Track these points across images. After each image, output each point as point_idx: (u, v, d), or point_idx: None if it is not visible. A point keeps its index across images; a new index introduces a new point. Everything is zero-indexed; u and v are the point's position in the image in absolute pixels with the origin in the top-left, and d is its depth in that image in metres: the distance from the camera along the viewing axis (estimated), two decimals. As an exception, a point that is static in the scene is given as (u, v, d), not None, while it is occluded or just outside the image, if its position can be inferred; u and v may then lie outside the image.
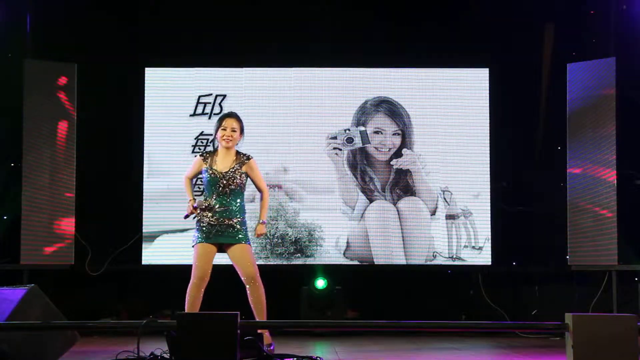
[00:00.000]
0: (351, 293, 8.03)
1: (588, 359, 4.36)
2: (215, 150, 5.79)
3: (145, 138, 7.99)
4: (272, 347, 5.55)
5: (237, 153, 5.75)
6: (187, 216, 5.68)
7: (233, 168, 5.64)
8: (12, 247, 7.31)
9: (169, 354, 4.85)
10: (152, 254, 7.91)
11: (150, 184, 7.98)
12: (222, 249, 5.66)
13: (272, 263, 7.88)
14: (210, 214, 5.58)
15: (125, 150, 8.04)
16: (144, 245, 7.90)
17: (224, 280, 7.88)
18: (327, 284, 7.88)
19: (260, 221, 5.74)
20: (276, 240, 7.91)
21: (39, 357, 4.80)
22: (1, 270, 7.25)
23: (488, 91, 8.03)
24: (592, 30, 7.73)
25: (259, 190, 5.81)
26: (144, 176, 7.97)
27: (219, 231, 5.60)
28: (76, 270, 7.61)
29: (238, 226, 5.62)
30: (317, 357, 5.37)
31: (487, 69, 8.07)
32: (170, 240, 7.89)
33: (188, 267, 7.84)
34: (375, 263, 7.93)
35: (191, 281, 5.61)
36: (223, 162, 5.66)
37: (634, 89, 7.37)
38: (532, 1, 7.81)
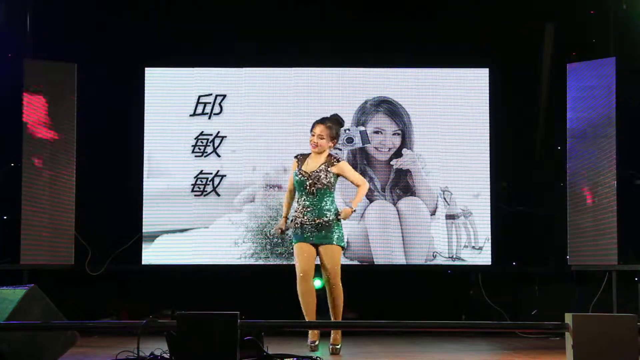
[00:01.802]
0: (351, 293, 8.00)
1: (588, 359, 4.36)
2: (309, 153, 6.01)
3: (145, 138, 7.99)
4: (338, 346, 5.88)
5: (329, 155, 5.94)
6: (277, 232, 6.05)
7: (319, 168, 5.84)
8: (12, 247, 7.31)
9: (169, 354, 4.85)
10: (152, 254, 7.90)
11: (150, 184, 7.98)
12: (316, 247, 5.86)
13: (272, 263, 7.88)
14: (302, 215, 5.82)
15: (125, 150, 8.04)
16: (144, 245, 7.90)
17: (224, 281, 7.94)
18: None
19: (351, 207, 5.87)
20: (276, 240, 7.91)
21: (38, 357, 4.79)
22: (1, 270, 7.25)
23: (488, 91, 8.03)
24: (592, 30, 7.73)
25: (356, 184, 5.94)
26: (144, 176, 7.97)
27: (312, 231, 5.81)
28: (76, 270, 7.61)
29: (328, 225, 5.80)
30: (317, 357, 5.37)
31: (487, 69, 8.07)
32: (170, 240, 7.90)
33: (188, 267, 7.92)
34: (375, 263, 7.93)
35: (297, 276, 5.82)
36: (312, 163, 5.91)
37: (634, 89, 7.37)
38: (532, 1, 7.81)
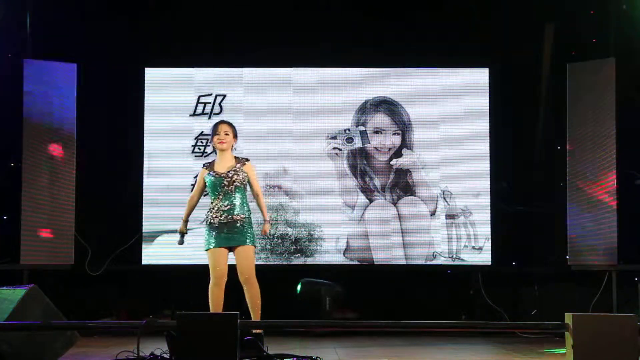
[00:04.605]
0: (351, 293, 8.03)
1: (588, 359, 4.37)
2: (213, 160, 6.00)
3: (145, 138, 7.99)
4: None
5: (236, 157, 5.97)
6: (181, 242, 6.01)
7: (234, 168, 5.86)
8: (12, 247, 7.31)
9: (169, 354, 4.86)
10: (152, 254, 7.91)
11: (150, 184, 7.99)
12: (231, 249, 5.81)
13: (272, 263, 7.89)
14: (219, 215, 5.78)
15: (125, 150, 8.05)
16: (144, 245, 7.90)
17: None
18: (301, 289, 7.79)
19: (265, 219, 5.97)
20: (276, 240, 7.91)
21: (38, 357, 4.80)
22: (1, 270, 7.25)
23: (488, 91, 8.04)
24: (592, 30, 7.73)
25: (255, 192, 6.00)
26: (144, 176, 7.98)
27: (226, 232, 5.76)
28: (76, 270, 7.61)
29: (245, 225, 5.80)
30: (317, 357, 5.37)
31: (487, 69, 8.07)
32: (170, 240, 7.84)
33: (188, 267, 7.91)
34: (375, 263, 7.94)
35: (210, 281, 5.79)
36: (223, 165, 5.90)
37: (634, 89, 7.37)
38: (532, 1, 7.81)
